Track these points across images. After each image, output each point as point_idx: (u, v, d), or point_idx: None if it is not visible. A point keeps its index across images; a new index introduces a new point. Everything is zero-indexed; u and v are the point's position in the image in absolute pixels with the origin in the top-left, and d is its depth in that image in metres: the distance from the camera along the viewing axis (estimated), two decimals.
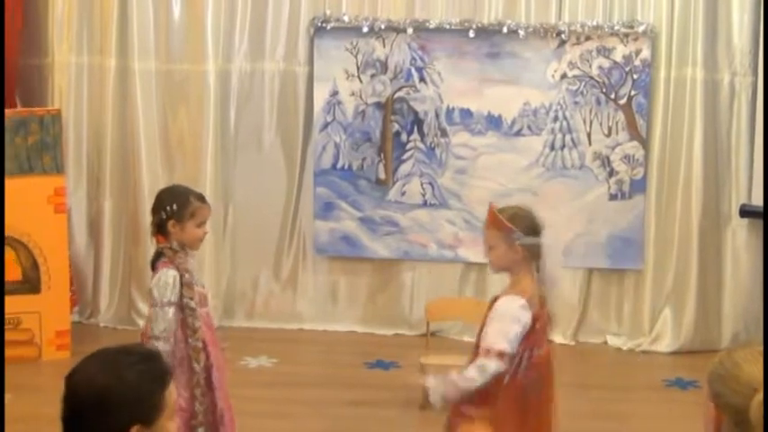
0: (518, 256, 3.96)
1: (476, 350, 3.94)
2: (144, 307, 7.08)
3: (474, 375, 3.84)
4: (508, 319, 3.89)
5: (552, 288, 4.10)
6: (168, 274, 4.33)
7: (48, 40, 7.07)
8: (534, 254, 3.99)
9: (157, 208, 4.41)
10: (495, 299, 4.00)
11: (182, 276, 4.34)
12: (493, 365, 3.82)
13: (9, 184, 6.26)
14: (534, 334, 3.94)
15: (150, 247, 6.94)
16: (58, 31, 7.05)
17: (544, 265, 4.02)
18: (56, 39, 7.05)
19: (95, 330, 7.01)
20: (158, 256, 4.39)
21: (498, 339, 3.84)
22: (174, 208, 4.37)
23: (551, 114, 6.78)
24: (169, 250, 4.36)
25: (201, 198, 4.47)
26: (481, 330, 3.94)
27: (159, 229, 4.37)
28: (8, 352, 6.29)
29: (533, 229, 4.02)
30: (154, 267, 4.39)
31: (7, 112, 6.43)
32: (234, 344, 6.65)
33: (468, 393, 3.88)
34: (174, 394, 2.46)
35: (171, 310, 4.31)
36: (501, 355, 3.82)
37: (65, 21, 7.04)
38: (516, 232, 3.96)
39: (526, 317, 3.88)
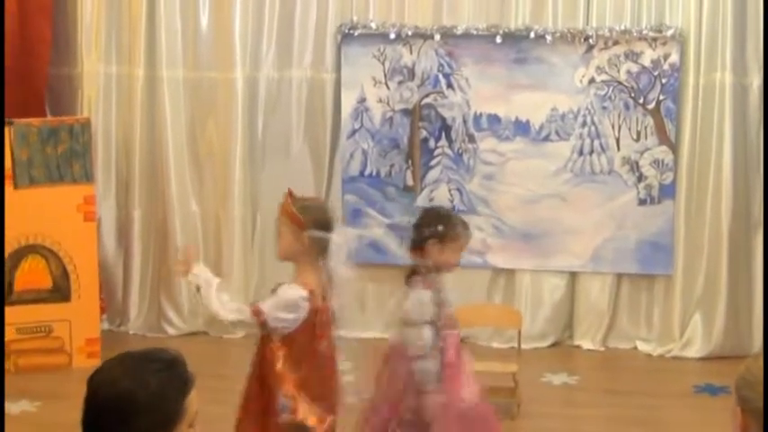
0: (303, 247, 4.09)
1: None
2: (173, 315, 7.12)
3: (233, 308, 4.14)
4: (283, 302, 4.06)
5: (339, 285, 4.21)
6: (424, 295, 4.39)
7: (77, 49, 7.11)
8: (320, 248, 4.11)
9: (423, 225, 4.50)
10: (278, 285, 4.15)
11: (434, 296, 4.41)
12: (247, 313, 4.09)
13: (39, 192, 6.32)
14: (316, 327, 4.12)
15: (180, 255, 7.00)
16: (87, 41, 7.09)
17: (329, 262, 4.13)
18: (85, 48, 7.10)
19: (125, 338, 7.04)
20: (413, 272, 4.47)
21: (265, 305, 4.06)
22: (440, 229, 4.43)
23: (579, 119, 6.76)
24: (424, 269, 4.42)
25: (466, 226, 4.58)
26: None
27: (419, 245, 4.45)
28: (39, 359, 6.36)
29: (322, 223, 4.15)
30: (408, 282, 4.47)
31: (37, 120, 6.48)
32: None
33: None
34: (196, 402, 2.47)
35: (426, 329, 4.37)
36: (257, 312, 4.05)
37: (93, 31, 7.08)
38: (304, 224, 4.09)
39: (304, 308, 4.05)
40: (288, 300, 4.08)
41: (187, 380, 2.46)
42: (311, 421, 4.05)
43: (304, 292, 4.07)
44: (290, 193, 4.21)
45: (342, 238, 4.21)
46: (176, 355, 2.52)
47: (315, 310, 4.09)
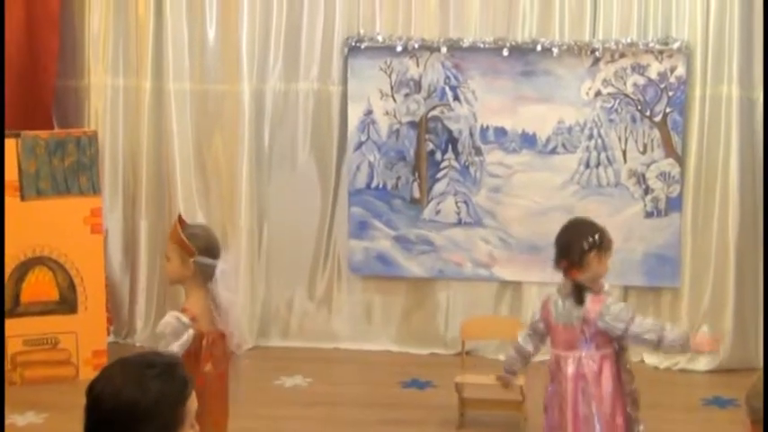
0: (189, 272, 4.14)
1: None
2: None
3: None
4: (168, 333, 4.10)
5: (227, 311, 4.21)
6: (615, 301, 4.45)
7: (84, 62, 7.13)
8: (206, 274, 4.15)
9: (578, 238, 4.42)
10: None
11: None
12: None
13: (46, 204, 6.33)
14: (202, 350, 4.12)
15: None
16: (94, 54, 7.12)
17: (215, 287, 4.16)
18: (92, 61, 7.12)
19: (131, 350, 7.03)
20: (581, 288, 4.41)
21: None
22: (597, 238, 4.41)
23: (586, 132, 6.76)
24: (589, 282, 4.39)
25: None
26: None
27: (580, 259, 4.38)
28: (46, 371, 6.36)
29: (209, 250, 4.18)
30: (582, 301, 4.40)
31: (44, 133, 6.50)
32: (269, 363, 6.67)
33: None
34: (195, 403, 2.47)
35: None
36: None
37: (100, 43, 7.11)
38: (192, 251, 4.13)
39: (186, 334, 4.07)
40: (172, 328, 4.12)
41: (186, 382, 2.47)
42: None
43: (185, 318, 4.12)
44: (180, 220, 4.28)
45: (227, 265, 4.26)
46: (172, 358, 2.52)
47: (199, 334, 4.13)
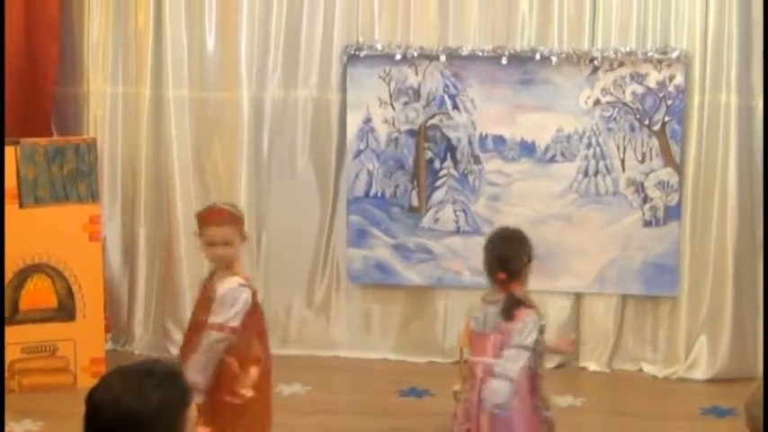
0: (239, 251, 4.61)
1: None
2: (178, 336, 7.10)
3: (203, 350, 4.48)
4: (230, 300, 4.48)
5: None
6: (533, 317, 4.33)
7: (83, 69, 7.13)
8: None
9: (515, 253, 4.41)
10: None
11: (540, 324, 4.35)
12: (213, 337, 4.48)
13: (44, 212, 6.33)
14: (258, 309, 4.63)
15: (186, 274, 7.02)
16: (94, 61, 7.11)
17: None
18: (91, 68, 7.12)
19: (130, 358, 7.02)
20: (517, 303, 4.35)
21: (220, 316, 4.48)
22: (532, 249, 4.45)
23: (585, 141, 6.77)
24: (525, 296, 4.36)
25: None
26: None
27: (516, 273, 4.36)
28: (44, 379, 6.35)
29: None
30: (512, 316, 4.33)
31: (43, 140, 6.50)
32: None
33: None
34: (195, 412, 2.47)
35: (517, 351, 4.29)
36: (221, 327, 4.47)
37: (100, 50, 7.11)
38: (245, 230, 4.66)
39: (246, 293, 4.52)
40: (234, 295, 4.45)
41: (186, 391, 2.46)
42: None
43: (242, 280, 4.53)
44: (216, 204, 4.80)
45: None
46: (173, 366, 2.52)
47: (254, 292, 4.57)
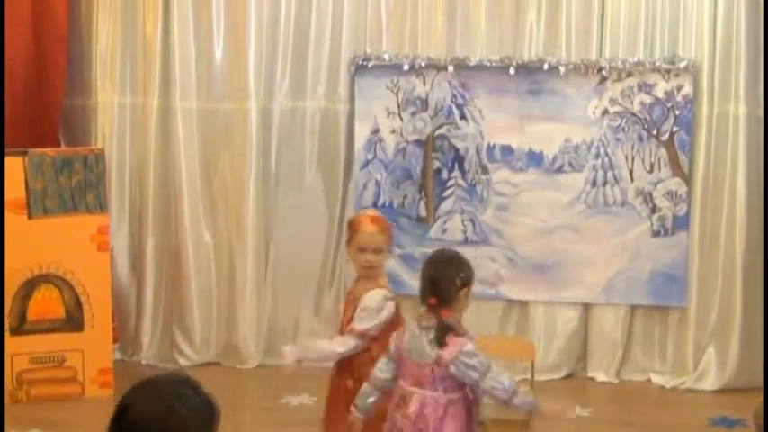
0: None
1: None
2: (186, 347, 7.11)
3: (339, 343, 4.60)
4: (373, 306, 4.56)
5: None
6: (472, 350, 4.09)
7: (91, 80, 7.14)
8: None
9: (450, 277, 4.14)
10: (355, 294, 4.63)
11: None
12: (352, 343, 4.56)
13: (53, 222, 6.33)
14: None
15: (193, 284, 7.02)
16: (102, 72, 7.12)
17: None
18: (99, 79, 7.13)
19: (137, 368, 7.03)
20: (447, 329, 4.09)
21: (362, 323, 4.55)
22: (468, 275, 4.18)
23: (593, 151, 6.76)
24: (457, 323, 4.11)
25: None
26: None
27: (449, 299, 4.11)
28: (52, 389, 6.35)
29: None
30: (443, 343, 4.07)
31: (52, 151, 6.51)
32: (275, 382, 6.65)
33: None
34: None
35: (500, 370, 4.17)
36: (363, 334, 4.54)
37: (108, 61, 7.12)
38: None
39: (387, 307, 4.58)
40: (377, 304, 4.56)
41: (216, 409, 2.47)
42: None
43: (388, 293, 4.62)
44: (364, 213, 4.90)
45: None
46: (198, 383, 2.51)
47: (397, 305, 4.63)
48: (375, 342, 4.51)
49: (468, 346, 4.06)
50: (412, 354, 4.15)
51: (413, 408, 4.12)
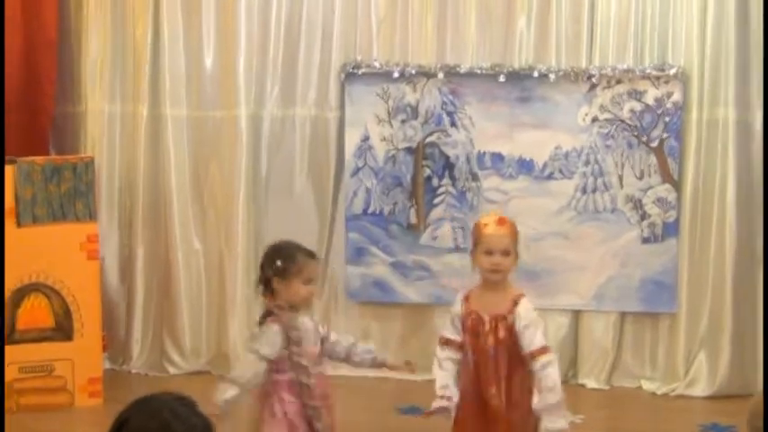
0: None
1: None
2: (176, 356, 7.10)
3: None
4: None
5: None
6: (271, 327, 4.31)
7: (81, 88, 7.13)
8: None
9: (264, 265, 4.39)
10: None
11: (288, 334, 4.32)
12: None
13: (42, 231, 6.31)
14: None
15: (183, 293, 7.01)
16: (92, 80, 7.12)
17: None
18: (89, 87, 7.12)
19: (127, 377, 7.02)
20: (267, 314, 4.37)
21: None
22: (280, 265, 4.34)
23: (583, 158, 6.77)
24: (277, 308, 4.33)
25: (310, 254, 4.45)
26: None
27: (266, 286, 4.35)
28: (41, 399, 6.32)
29: None
30: (261, 323, 4.37)
31: (41, 159, 6.49)
32: None
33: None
34: None
35: (253, 358, 4.28)
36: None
37: (98, 69, 7.11)
38: None
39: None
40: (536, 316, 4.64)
41: (211, 427, 2.47)
42: None
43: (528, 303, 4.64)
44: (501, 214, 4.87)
45: None
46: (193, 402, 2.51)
47: None
48: None
49: (271, 327, 4.33)
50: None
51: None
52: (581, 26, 6.74)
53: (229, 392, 4.25)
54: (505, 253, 4.59)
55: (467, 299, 4.72)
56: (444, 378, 4.67)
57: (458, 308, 4.73)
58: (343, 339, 4.74)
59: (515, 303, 4.60)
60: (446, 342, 4.72)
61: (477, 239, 4.66)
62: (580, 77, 6.71)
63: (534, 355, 4.53)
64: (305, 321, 4.46)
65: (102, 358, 6.65)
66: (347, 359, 4.71)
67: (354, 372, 7.06)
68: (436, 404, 4.61)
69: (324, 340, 4.58)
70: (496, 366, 4.56)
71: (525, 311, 4.58)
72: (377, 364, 4.82)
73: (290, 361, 4.34)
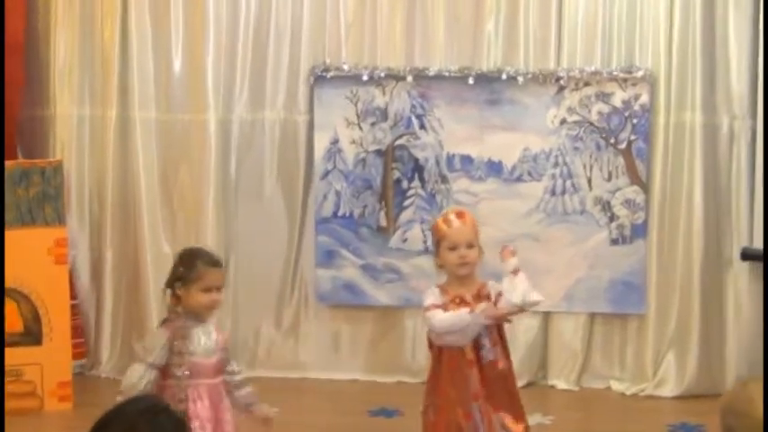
0: None
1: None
2: None
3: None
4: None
5: None
6: (158, 334, 4.32)
7: (49, 91, 7.10)
8: None
9: (171, 270, 4.41)
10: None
11: (173, 342, 4.30)
12: None
13: (10, 235, 6.26)
14: None
15: (152, 296, 6.99)
16: (60, 83, 7.09)
17: None
18: (57, 90, 7.09)
19: (96, 381, 6.99)
20: (164, 320, 4.40)
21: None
22: (181, 271, 4.34)
23: (551, 160, 6.80)
24: (173, 314, 4.32)
25: (212, 262, 4.42)
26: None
27: (172, 291, 4.37)
28: (10, 404, 6.27)
29: None
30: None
31: (9, 163, 6.45)
32: None
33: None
34: None
35: (141, 368, 4.27)
36: None
37: (66, 73, 7.08)
38: None
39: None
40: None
41: (184, 423, 2.47)
42: None
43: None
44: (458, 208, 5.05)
45: None
46: (178, 414, 2.50)
47: None
48: None
49: (156, 334, 4.41)
50: None
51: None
52: (549, 29, 6.78)
53: (118, 398, 4.23)
54: (470, 245, 4.63)
55: (443, 289, 4.71)
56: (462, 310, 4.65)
57: (436, 297, 4.68)
58: (237, 374, 4.72)
59: (484, 286, 4.72)
60: (435, 306, 4.68)
61: (439, 237, 4.66)
62: (548, 80, 6.74)
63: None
64: (206, 332, 4.44)
65: (71, 363, 6.61)
66: (229, 393, 4.64)
67: (324, 374, 7.12)
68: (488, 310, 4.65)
69: (225, 361, 4.56)
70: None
71: (495, 284, 4.70)
72: (247, 411, 4.76)
73: (170, 368, 4.34)
